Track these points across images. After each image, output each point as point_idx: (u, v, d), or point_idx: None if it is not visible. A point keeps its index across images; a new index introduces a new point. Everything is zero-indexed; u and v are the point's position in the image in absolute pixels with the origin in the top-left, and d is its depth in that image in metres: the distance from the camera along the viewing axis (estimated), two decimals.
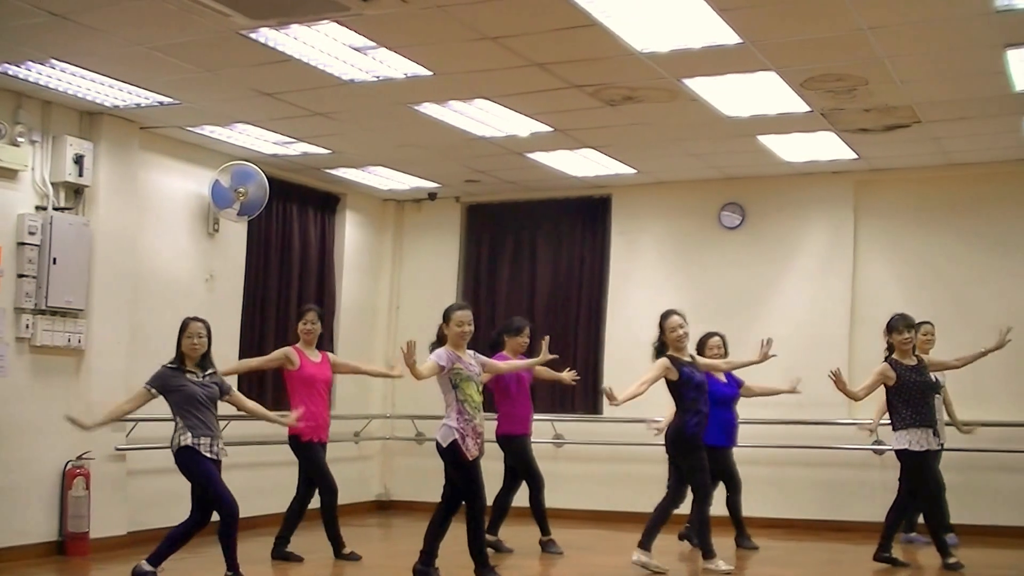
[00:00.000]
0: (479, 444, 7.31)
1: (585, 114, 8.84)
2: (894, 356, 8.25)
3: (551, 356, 8.13)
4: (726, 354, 9.19)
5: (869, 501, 9.92)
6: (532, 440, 9.14)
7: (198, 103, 8.74)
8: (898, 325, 8.27)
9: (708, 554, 8.03)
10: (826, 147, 9.87)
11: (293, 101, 8.60)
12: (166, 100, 8.62)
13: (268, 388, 10.75)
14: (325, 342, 8.90)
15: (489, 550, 7.83)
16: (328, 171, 11.20)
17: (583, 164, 10.77)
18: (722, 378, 9.08)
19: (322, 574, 8.28)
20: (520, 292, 12.34)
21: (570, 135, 9.60)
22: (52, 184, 8.70)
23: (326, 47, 7.28)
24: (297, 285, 11.48)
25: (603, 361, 11.79)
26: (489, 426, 8.01)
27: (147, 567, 7.10)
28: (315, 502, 8.69)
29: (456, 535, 7.50)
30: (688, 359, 8.11)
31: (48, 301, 8.52)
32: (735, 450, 9.28)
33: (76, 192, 8.89)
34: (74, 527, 8.67)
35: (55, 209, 8.67)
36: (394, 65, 7.65)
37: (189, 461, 7.08)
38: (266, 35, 7.06)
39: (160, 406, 7.34)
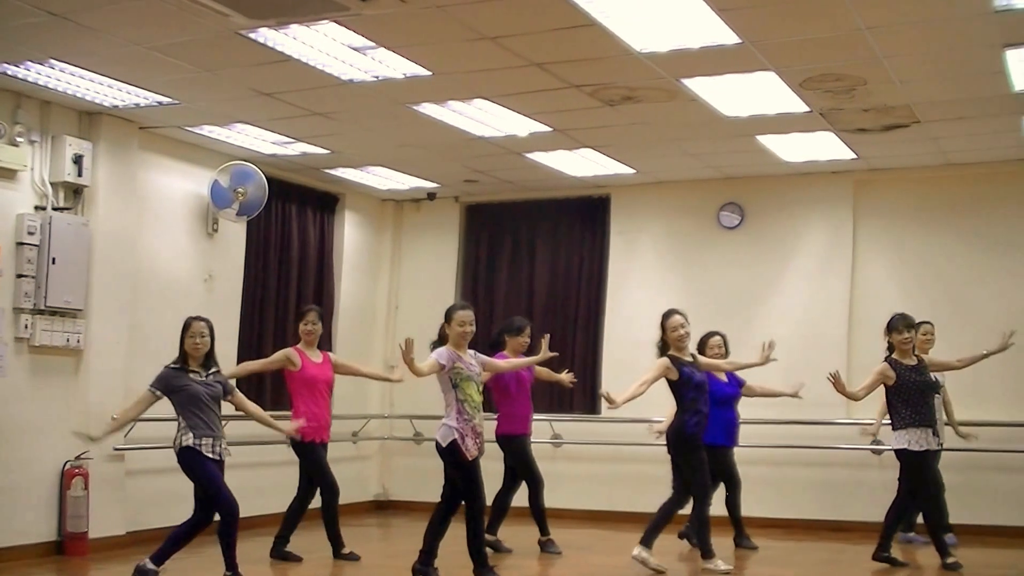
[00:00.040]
0: (479, 444, 7.32)
1: (584, 114, 8.85)
2: (894, 356, 8.26)
3: (551, 354, 8.13)
4: (727, 353, 9.20)
5: (868, 501, 9.92)
6: (531, 440, 9.15)
7: (197, 103, 8.74)
8: (898, 325, 8.27)
9: (707, 554, 8.03)
10: (825, 147, 9.88)
11: (292, 101, 8.60)
12: (165, 100, 8.62)
13: (267, 389, 10.76)
14: (324, 342, 8.89)
15: (488, 550, 7.82)
16: (327, 171, 11.20)
17: (582, 164, 10.77)
18: (723, 378, 9.08)
19: (321, 574, 8.28)
20: (519, 292, 12.35)
21: (569, 135, 9.61)
22: (51, 184, 8.70)
23: (325, 47, 7.28)
24: (296, 285, 11.48)
25: (601, 361, 11.79)
26: (489, 426, 8.01)
27: (150, 566, 7.10)
28: (315, 502, 8.70)
29: (455, 535, 7.50)
30: (689, 359, 8.11)
31: (47, 301, 8.52)
32: (736, 450, 9.29)
33: (75, 192, 8.89)
34: (73, 527, 8.67)
35: (54, 209, 8.67)
36: (393, 65, 7.65)
37: (190, 461, 7.08)
38: (265, 35, 7.06)
39: (158, 406, 7.34)
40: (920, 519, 9.01)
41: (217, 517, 7.19)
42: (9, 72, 7.93)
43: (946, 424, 9.24)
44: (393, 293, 12.79)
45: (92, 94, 8.47)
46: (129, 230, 9.30)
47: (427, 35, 7.04)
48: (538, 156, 10.44)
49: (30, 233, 8.45)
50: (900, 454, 8.18)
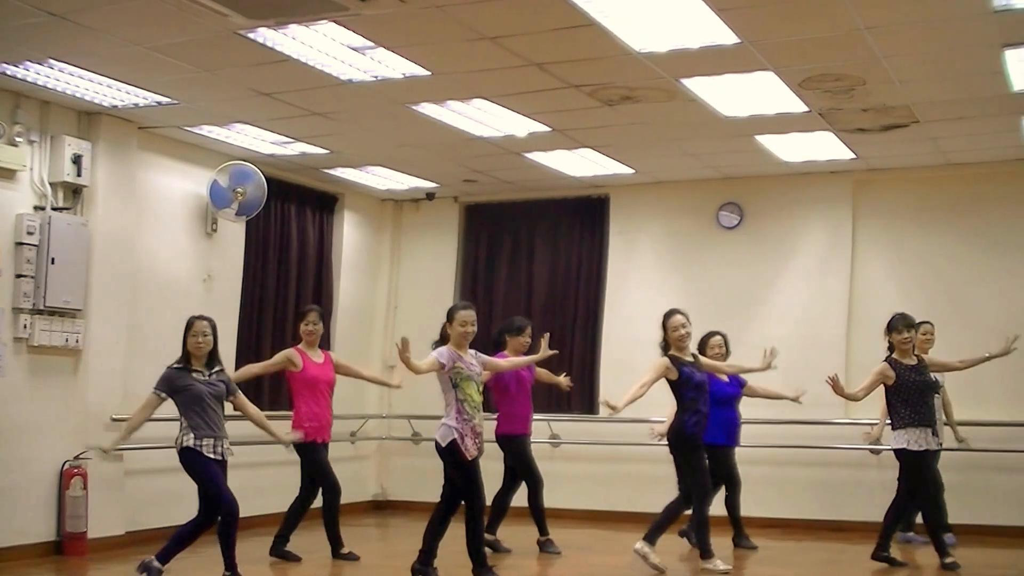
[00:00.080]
0: (478, 444, 7.31)
1: (583, 114, 8.85)
2: (894, 356, 8.26)
3: (551, 352, 8.14)
4: (727, 353, 9.20)
5: (867, 501, 9.93)
6: (531, 440, 9.15)
7: (196, 103, 8.74)
8: (898, 325, 8.27)
9: (706, 554, 8.03)
10: (824, 147, 9.88)
11: (291, 101, 8.60)
12: (164, 100, 8.62)
13: (265, 390, 10.76)
14: (323, 342, 8.88)
15: (487, 550, 7.82)
16: (326, 171, 11.20)
17: (581, 164, 10.77)
18: (724, 378, 9.07)
19: (320, 574, 8.28)
20: (518, 292, 12.35)
21: (568, 135, 9.61)
22: (50, 184, 8.70)
23: (324, 47, 7.27)
24: (295, 285, 11.48)
25: (600, 361, 11.80)
26: (489, 426, 8.01)
27: (156, 564, 7.11)
28: (316, 502, 8.69)
29: (455, 535, 7.50)
30: (690, 359, 8.11)
31: (46, 301, 8.51)
32: (736, 450, 9.29)
33: (74, 192, 8.89)
34: (72, 527, 8.66)
35: (53, 209, 8.67)
36: (392, 65, 7.65)
37: (191, 461, 7.07)
38: (264, 35, 7.06)
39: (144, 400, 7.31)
40: (919, 519, 9.01)
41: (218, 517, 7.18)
42: (8, 72, 7.93)
43: (945, 424, 9.24)
44: (392, 293, 12.79)
45: (91, 94, 8.47)
46: (128, 230, 9.30)
47: (426, 35, 7.04)
48: (537, 156, 10.44)
49: (29, 233, 8.45)
50: (899, 454, 8.19)
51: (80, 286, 8.78)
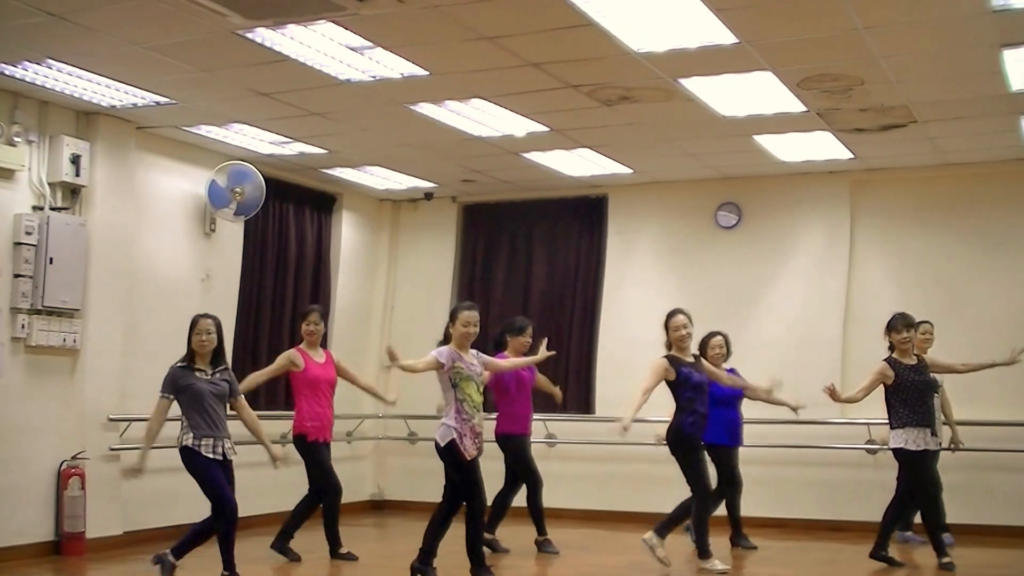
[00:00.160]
0: (477, 444, 7.30)
1: (581, 114, 8.85)
2: (894, 355, 8.27)
3: (550, 353, 8.16)
4: (729, 354, 9.21)
5: (865, 501, 9.93)
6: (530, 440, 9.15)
7: (195, 103, 8.74)
8: (897, 324, 8.28)
9: (704, 554, 8.03)
10: (822, 147, 9.88)
11: (290, 101, 8.60)
12: (163, 100, 8.61)
13: (261, 390, 10.71)
14: (321, 341, 8.87)
15: (485, 549, 7.82)
16: (325, 171, 11.20)
17: (579, 164, 10.77)
18: (725, 379, 9.06)
19: (319, 574, 8.28)
20: (516, 292, 12.34)
21: (566, 135, 9.61)
22: (49, 184, 8.70)
23: (323, 47, 7.27)
24: (293, 285, 11.48)
25: (597, 360, 11.79)
26: (488, 425, 8.00)
27: (170, 557, 7.13)
28: None
29: (454, 535, 7.49)
30: (690, 359, 8.11)
31: (44, 301, 8.51)
32: (740, 450, 9.29)
33: (73, 192, 8.88)
34: (70, 527, 8.65)
35: (52, 209, 8.67)
36: (390, 65, 7.65)
37: (190, 462, 7.06)
38: (262, 35, 7.06)
39: (154, 406, 7.30)
40: (918, 518, 9.01)
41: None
42: (7, 72, 7.93)
43: (944, 424, 9.24)
44: (390, 293, 12.79)
45: (90, 94, 8.47)
46: (126, 230, 9.29)
47: (424, 35, 7.04)
48: (535, 156, 10.44)
49: (27, 233, 8.44)
50: (898, 453, 8.19)
51: (78, 286, 8.78)
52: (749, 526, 9.43)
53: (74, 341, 8.79)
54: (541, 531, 9.03)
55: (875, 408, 8.53)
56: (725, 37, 6.96)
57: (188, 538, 7.21)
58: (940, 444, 8.56)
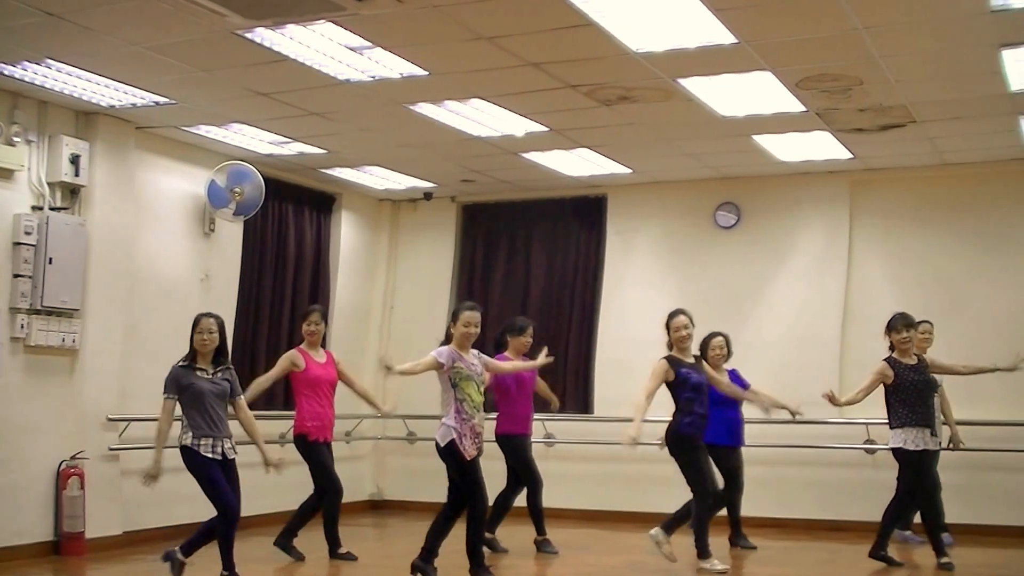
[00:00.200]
0: (477, 444, 7.30)
1: (580, 114, 8.85)
2: (894, 355, 8.27)
3: (549, 359, 8.19)
4: (729, 354, 9.20)
5: (864, 500, 9.91)
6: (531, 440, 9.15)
7: (194, 103, 8.74)
8: (897, 324, 8.29)
9: (703, 554, 8.02)
10: (821, 147, 9.88)
11: (289, 101, 8.60)
12: (162, 100, 8.61)
13: None
14: (320, 342, 8.88)
15: (484, 549, 7.82)
16: (324, 171, 11.20)
17: (578, 164, 10.77)
18: (725, 379, 9.05)
19: (319, 574, 8.28)
20: (515, 291, 12.34)
21: (566, 135, 9.61)
22: (48, 184, 8.69)
23: (322, 47, 7.27)
24: (292, 285, 11.48)
25: (596, 360, 11.79)
26: (489, 425, 8.00)
27: (179, 555, 7.14)
28: None
29: (454, 534, 7.49)
30: (691, 360, 8.10)
31: (43, 301, 8.51)
32: (743, 450, 9.29)
33: (72, 192, 8.88)
34: (69, 527, 8.64)
35: (51, 209, 8.66)
36: (390, 65, 7.65)
37: (190, 461, 7.06)
38: (262, 35, 7.06)
39: (153, 406, 7.28)
40: (917, 518, 9.01)
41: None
42: (6, 72, 7.93)
43: (943, 424, 9.24)
44: (389, 293, 12.78)
45: (89, 94, 8.47)
46: (126, 230, 9.29)
47: (424, 35, 7.04)
48: (534, 156, 10.44)
49: (27, 233, 8.44)
50: (897, 453, 8.20)
51: (77, 286, 8.78)
52: (749, 526, 9.44)
53: (73, 341, 8.79)
54: (540, 531, 9.02)
55: (874, 408, 8.54)
56: (724, 37, 6.96)
57: (197, 536, 7.21)
58: (940, 444, 8.56)
